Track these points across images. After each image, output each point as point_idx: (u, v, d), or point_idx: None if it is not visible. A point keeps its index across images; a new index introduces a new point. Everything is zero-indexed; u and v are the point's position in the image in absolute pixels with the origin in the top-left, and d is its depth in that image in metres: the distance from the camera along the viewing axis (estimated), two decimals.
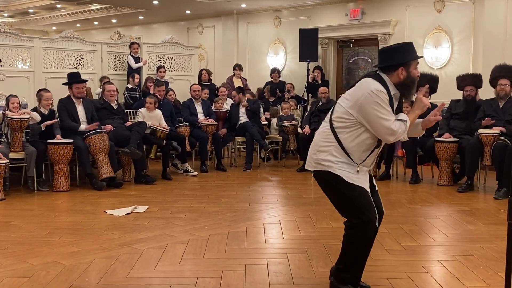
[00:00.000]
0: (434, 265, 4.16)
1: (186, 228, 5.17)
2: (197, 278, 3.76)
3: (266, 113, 10.19)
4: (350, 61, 12.29)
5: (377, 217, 3.28)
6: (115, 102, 8.14)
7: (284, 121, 9.37)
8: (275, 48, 13.21)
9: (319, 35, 11.76)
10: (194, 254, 4.34)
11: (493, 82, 7.54)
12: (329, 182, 3.28)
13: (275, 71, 11.78)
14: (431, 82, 8.22)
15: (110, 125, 7.68)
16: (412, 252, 4.46)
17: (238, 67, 11.56)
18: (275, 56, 13.17)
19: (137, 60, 9.99)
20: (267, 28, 13.35)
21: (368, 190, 3.29)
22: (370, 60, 11.90)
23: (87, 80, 8.14)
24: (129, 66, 9.94)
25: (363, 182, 3.27)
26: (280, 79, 11.86)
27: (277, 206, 6.35)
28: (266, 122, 9.97)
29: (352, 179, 3.22)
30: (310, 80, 11.34)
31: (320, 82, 11.15)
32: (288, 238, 4.89)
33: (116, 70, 10.12)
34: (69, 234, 4.93)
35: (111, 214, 5.75)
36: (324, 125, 3.38)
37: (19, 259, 4.17)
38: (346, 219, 3.34)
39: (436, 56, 10.49)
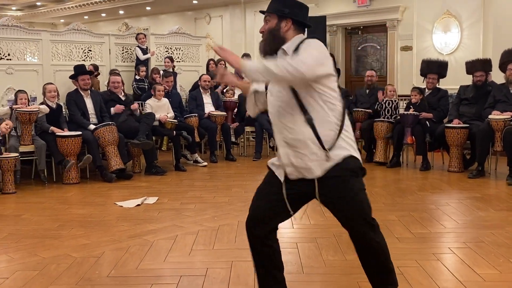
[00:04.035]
0: (445, 252, 4.14)
1: (196, 219, 5.17)
2: (207, 268, 3.77)
3: None
4: (359, 48, 12.21)
5: None
6: (122, 93, 8.16)
7: None
8: None
9: (327, 23, 11.68)
10: (204, 244, 4.35)
11: (503, 67, 7.47)
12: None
13: None
14: (440, 67, 8.17)
15: (136, 104, 7.98)
16: (422, 240, 4.43)
17: (246, 57, 11.50)
18: None
19: (144, 51, 9.97)
20: None
21: None
22: (379, 47, 11.82)
23: (92, 72, 8.16)
24: (137, 57, 9.93)
25: None
26: None
27: None
28: None
29: None
30: None
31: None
32: (298, 227, 4.89)
33: (124, 62, 10.10)
34: (79, 227, 4.95)
35: (121, 206, 5.77)
36: None
37: (30, 252, 4.20)
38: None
39: (445, 42, 10.39)
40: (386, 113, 8.39)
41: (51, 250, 4.24)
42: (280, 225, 4.96)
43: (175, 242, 4.40)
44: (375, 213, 4.88)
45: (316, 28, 11.52)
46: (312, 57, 2.54)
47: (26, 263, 3.93)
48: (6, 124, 6.63)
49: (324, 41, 11.61)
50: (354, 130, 8.43)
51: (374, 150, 8.41)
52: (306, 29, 2.82)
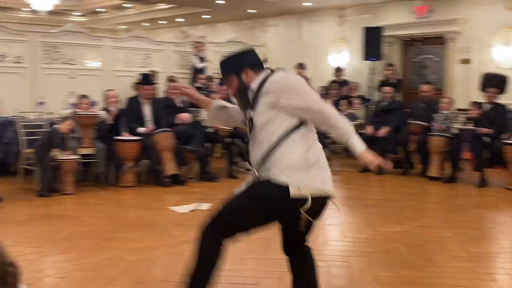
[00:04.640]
0: (499, 273, 4.04)
1: None
2: (257, 278, 3.81)
3: None
4: (416, 60, 12.04)
5: None
6: (180, 100, 8.32)
7: None
8: (338, 46, 13.10)
9: (384, 33, 11.58)
10: (255, 253, 4.39)
11: None
12: None
13: (338, 70, 11.69)
14: (500, 82, 7.97)
15: (186, 114, 7.96)
16: (476, 259, 4.34)
17: (300, 66, 11.55)
18: (337, 55, 13.07)
19: (201, 59, 10.15)
20: (330, 27, 13.27)
21: None
22: (437, 59, 11.62)
23: (155, 83, 8.36)
24: (194, 65, 10.12)
25: None
26: (344, 77, 11.75)
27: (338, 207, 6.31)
28: None
29: None
30: (383, 78, 11.07)
31: (388, 80, 10.71)
32: (349, 241, 4.87)
33: (181, 69, 10.32)
34: (134, 230, 5.09)
35: (175, 211, 5.88)
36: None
37: (87, 253, 4.35)
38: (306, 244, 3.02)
39: (505, 56, 10.11)
40: (441, 125, 8.22)
41: (107, 252, 4.38)
42: (331, 238, 4.97)
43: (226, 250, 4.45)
44: (429, 229, 4.84)
45: (373, 39, 11.44)
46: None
47: (84, 264, 4.08)
48: (68, 124, 6.87)
49: (380, 52, 11.51)
50: (408, 142, 8.41)
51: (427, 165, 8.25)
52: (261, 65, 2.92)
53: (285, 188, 2.66)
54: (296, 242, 3.00)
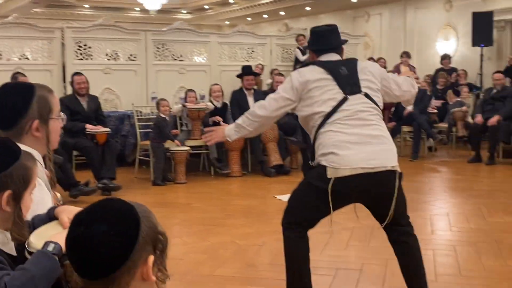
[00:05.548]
0: None
1: (350, 216, 5.26)
2: (362, 264, 3.89)
3: (435, 101, 9.84)
4: None
5: None
6: None
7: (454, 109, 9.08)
8: (445, 33, 12.70)
9: (495, 18, 11.08)
10: (359, 241, 4.47)
11: None
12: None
13: (445, 57, 11.34)
14: None
15: None
16: None
17: (405, 54, 11.33)
18: (445, 42, 12.67)
19: (303, 52, 10.26)
20: (437, 13, 12.88)
21: None
22: None
23: (257, 74, 8.60)
24: (296, 58, 10.26)
25: None
26: (451, 65, 11.39)
27: (445, 197, 6.21)
28: (435, 111, 9.66)
29: None
30: (508, 64, 10.55)
31: None
32: (456, 231, 4.80)
33: (283, 62, 10.49)
34: (243, 217, 5.34)
35: (280, 200, 6.07)
36: (375, 112, 2.96)
37: (200, 237, 4.64)
38: (408, 223, 3.08)
39: None
40: None
41: (218, 236, 4.64)
42: (438, 228, 4.93)
43: (331, 237, 4.57)
44: None
45: (482, 24, 10.99)
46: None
47: (197, 247, 4.36)
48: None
49: (490, 37, 11.04)
50: None
51: None
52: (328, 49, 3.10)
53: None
54: (390, 227, 3.01)
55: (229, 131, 3.18)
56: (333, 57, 3.06)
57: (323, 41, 3.11)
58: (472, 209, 5.52)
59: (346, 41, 3.24)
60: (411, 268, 3.02)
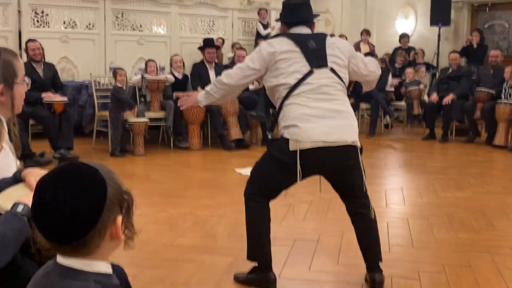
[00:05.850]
0: None
1: (309, 190, 5.36)
2: (319, 235, 3.98)
3: (393, 79, 10.00)
4: (485, 26, 11.68)
5: None
6: None
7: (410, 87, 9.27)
8: (405, 12, 12.85)
9: None
10: (317, 213, 4.56)
11: None
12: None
13: (404, 36, 11.50)
14: None
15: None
16: None
17: (365, 32, 11.44)
18: (404, 21, 12.83)
19: (265, 26, 10.25)
20: None
21: None
22: (507, 26, 11.24)
23: (219, 47, 8.55)
24: (258, 32, 10.24)
25: None
26: (410, 44, 11.56)
27: (400, 173, 6.38)
28: (392, 89, 9.84)
29: None
30: (465, 44, 10.67)
31: (476, 46, 10.24)
32: (410, 204, 4.96)
33: (245, 35, 10.46)
34: (202, 189, 5.36)
35: (240, 173, 6.11)
36: (340, 87, 3.00)
37: (160, 208, 4.65)
38: (365, 195, 3.08)
39: None
40: (508, 96, 8.04)
41: (178, 207, 4.66)
42: (392, 201, 5.08)
43: (290, 209, 4.65)
44: (491, 196, 4.89)
45: (440, 4, 11.17)
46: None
47: (157, 218, 4.37)
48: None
49: (448, 17, 11.24)
50: (474, 110, 8.26)
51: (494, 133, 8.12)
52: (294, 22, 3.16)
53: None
54: (348, 199, 3.10)
55: (200, 97, 3.25)
56: (303, 30, 3.10)
57: (295, 14, 3.14)
58: (425, 184, 5.69)
59: (317, 15, 3.28)
60: (368, 239, 3.11)
